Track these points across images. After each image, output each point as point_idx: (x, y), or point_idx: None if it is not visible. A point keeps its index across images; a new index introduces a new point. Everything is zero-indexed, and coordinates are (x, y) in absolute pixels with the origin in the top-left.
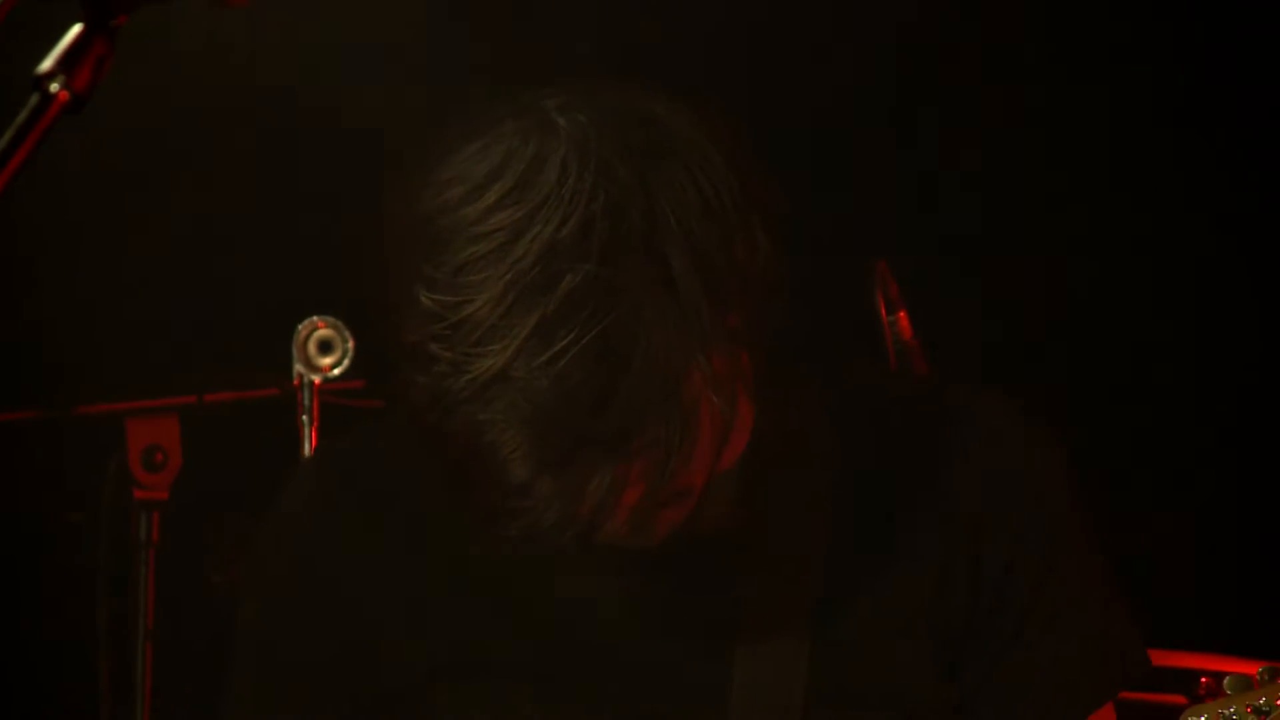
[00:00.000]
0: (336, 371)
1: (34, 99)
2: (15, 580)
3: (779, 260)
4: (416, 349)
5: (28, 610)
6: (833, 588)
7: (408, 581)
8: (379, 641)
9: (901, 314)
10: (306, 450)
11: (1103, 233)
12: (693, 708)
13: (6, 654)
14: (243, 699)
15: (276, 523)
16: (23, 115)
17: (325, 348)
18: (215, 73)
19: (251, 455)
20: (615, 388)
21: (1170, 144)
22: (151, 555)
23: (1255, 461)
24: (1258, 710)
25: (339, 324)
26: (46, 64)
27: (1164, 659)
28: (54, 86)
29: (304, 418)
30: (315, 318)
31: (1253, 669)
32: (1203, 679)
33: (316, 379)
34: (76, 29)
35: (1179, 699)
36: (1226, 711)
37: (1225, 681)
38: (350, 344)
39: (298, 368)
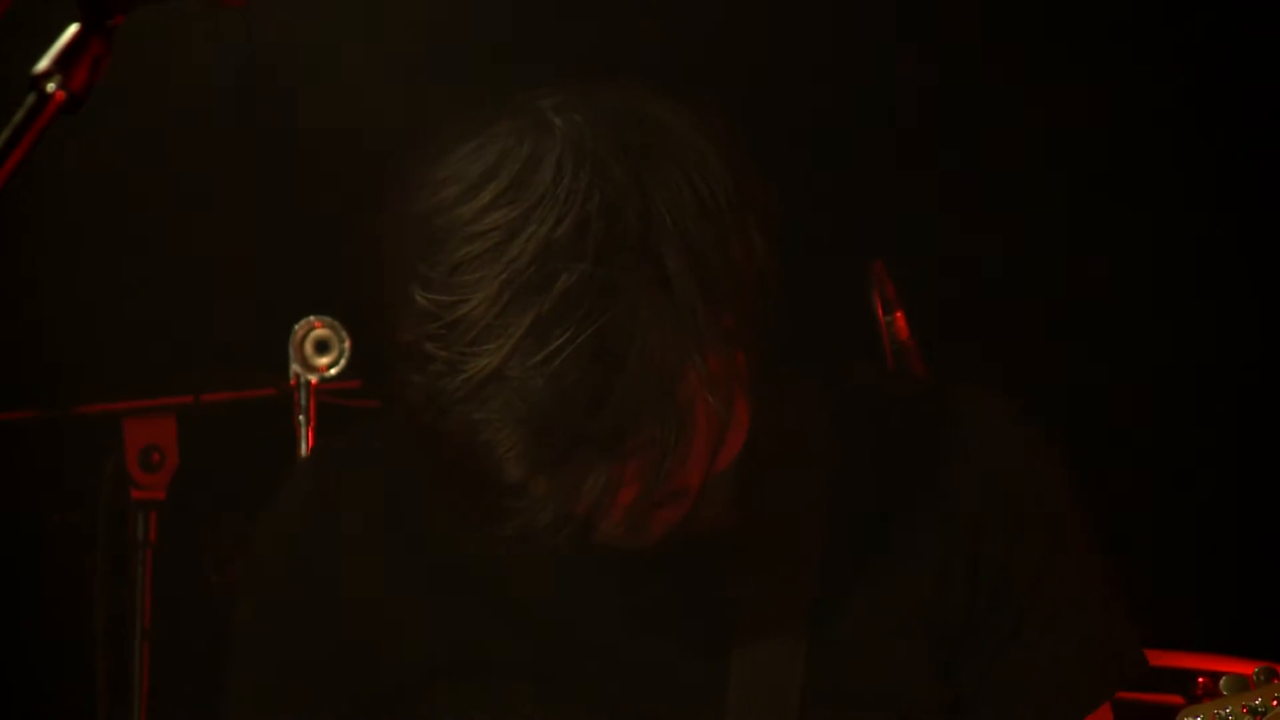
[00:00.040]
0: (333, 371)
1: (31, 99)
2: (13, 580)
3: (775, 260)
4: (412, 348)
5: (25, 610)
6: (829, 588)
7: (405, 581)
8: (376, 641)
9: (898, 314)
10: (303, 450)
11: (1103, 233)
12: (690, 708)
13: (4, 654)
14: (241, 699)
15: (273, 522)
16: (19, 115)
17: (322, 348)
18: (214, 73)
19: (249, 455)
20: (610, 387)
21: (1170, 144)
22: (149, 555)
23: (1255, 461)
24: (1253, 711)
25: (336, 324)
26: (43, 64)
27: (1161, 659)
28: (51, 86)
29: (301, 418)
30: (312, 318)
31: (1249, 669)
32: (1200, 679)
33: (313, 379)
34: (73, 29)
35: (1176, 699)
36: (1222, 712)
37: (1221, 682)
38: (347, 344)
39: (294, 368)
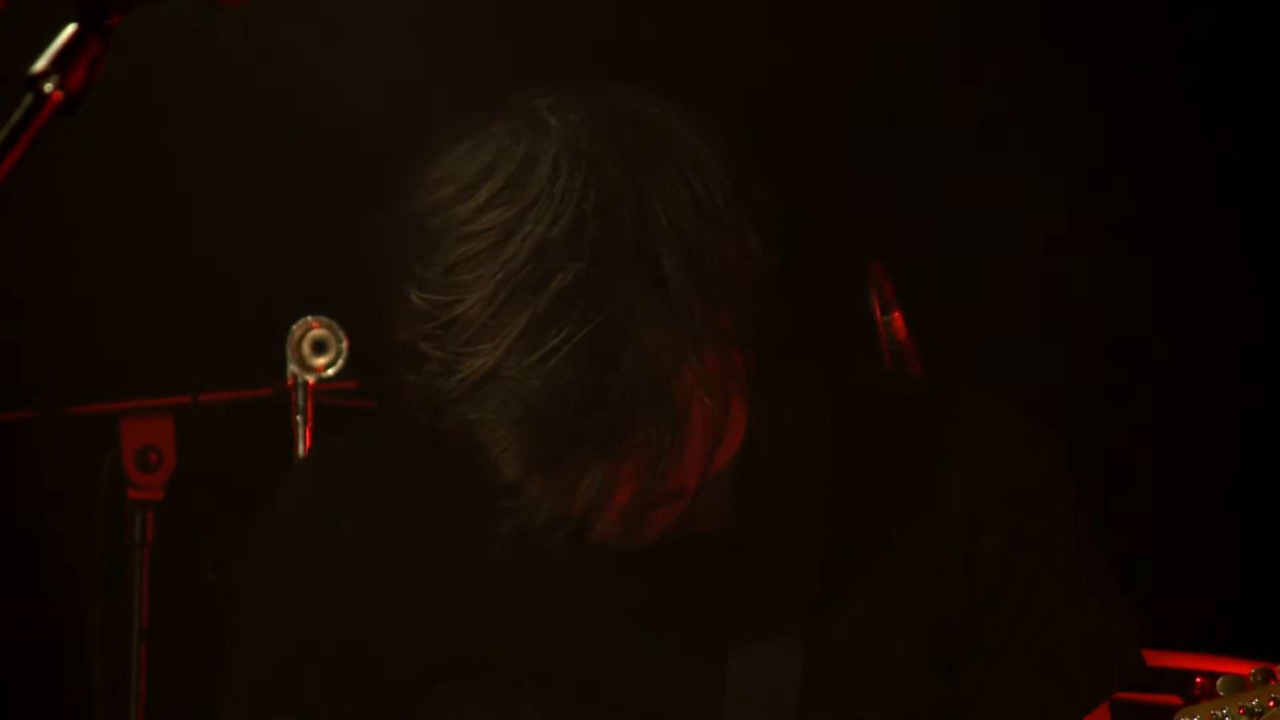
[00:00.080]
0: (330, 372)
1: (28, 99)
2: (10, 580)
3: (772, 260)
4: (407, 348)
5: (22, 610)
6: (828, 588)
7: (404, 581)
8: (375, 641)
9: (896, 314)
10: (301, 450)
11: (1103, 233)
12: (688, 708)
13: (2, 654)
14: (239, 699)
15: (271, 523)
16: (17, 115)
17: (319, 348)
18: (213, 73)
19: (246, 455)
20: (606, 387)
21: (1170, 144)
22: (146, 555)
23: (1255, 461)
24: (1250, 711)
25: (333, 324)
26: (40, 64)
27: (1159, 659)
28: (48, 86)
29: (298, 418)
30: (309, 318)
31: (1247, 670)
32: (1198, 679)
33: (311, 379)
34: (70, 29)
35: (1174, 699)
36: (1219, 713)
37: (1218, 683)
38: (344, 344)
39: (292, 368)
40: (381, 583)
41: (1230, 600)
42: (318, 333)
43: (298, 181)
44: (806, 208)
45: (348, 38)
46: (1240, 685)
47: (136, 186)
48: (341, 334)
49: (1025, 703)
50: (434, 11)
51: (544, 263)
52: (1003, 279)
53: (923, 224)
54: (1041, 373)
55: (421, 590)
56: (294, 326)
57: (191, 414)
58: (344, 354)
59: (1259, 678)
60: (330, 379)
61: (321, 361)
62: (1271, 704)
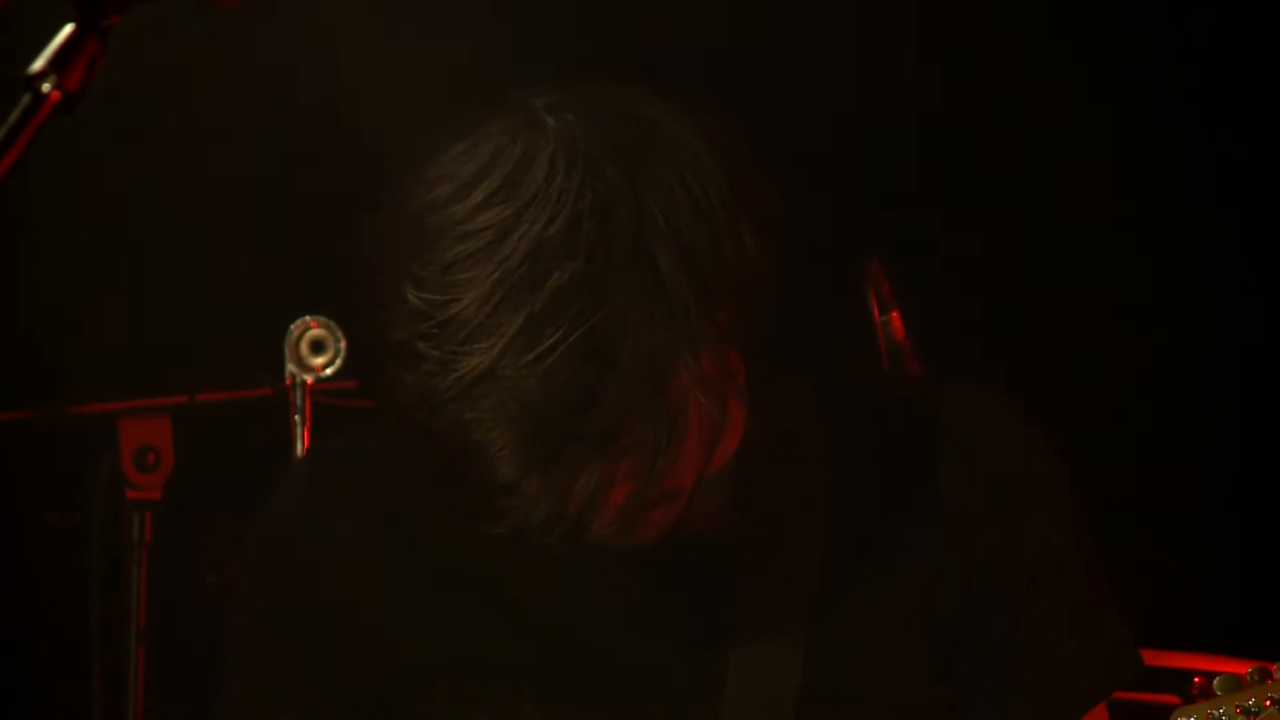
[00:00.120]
0: (329, 371)
1: (26, 99)
2: (8, 580)
3: (769, 260)
4: (404, 347)
5: (20, 610)
6: (827, 587)
7: (401, 581)
8: (373, 641)
9: (894, 314)
10: (299, 450)
11: (1102, 233)
12: (686, 708)
13: (1, 654)
14: (237, 700)
15: (269, 523)
16: (15, 115)
17: (317, 348)
18: (213, 73)
19: (244, 455)
20: (602, 386)
21: (1170, 144)
22: (144, 555)
23: (1254, 461)
24: (1247, 711)
25: (331, 324)
26: (38, 64)
27: (1157, 659)
28: (46, 86)
29: (296, 418)
30: (307, 317)
31: (1245, 669)
32: (1196, 679)
33: (309, 379)
34: (68, 29)
35: (1172, 699)
36: (1216, 712)
37: (1215, 682)
38: (342, 344)
39: (290, 368)
40: (380, 583)
41: (1228, 600)
42: (316, 332)
43: (296, 182)
44: (804, 208)
45: (348, 38)
46: (1237, 685)
47: (135, 186)
48: (340, 334)
49: (1024, 702)
50: (434, 11)
51: (540, 262)
52: (1002, 279)
53: (922, 224)
54: (1041, 373)
55: (421, 590)
56: (292, 326)
57: (190, 414)
58: (342, 354)
59: (1255, 677)
60: (328, 379)
61: (320, 361)
62: (1268, 703)
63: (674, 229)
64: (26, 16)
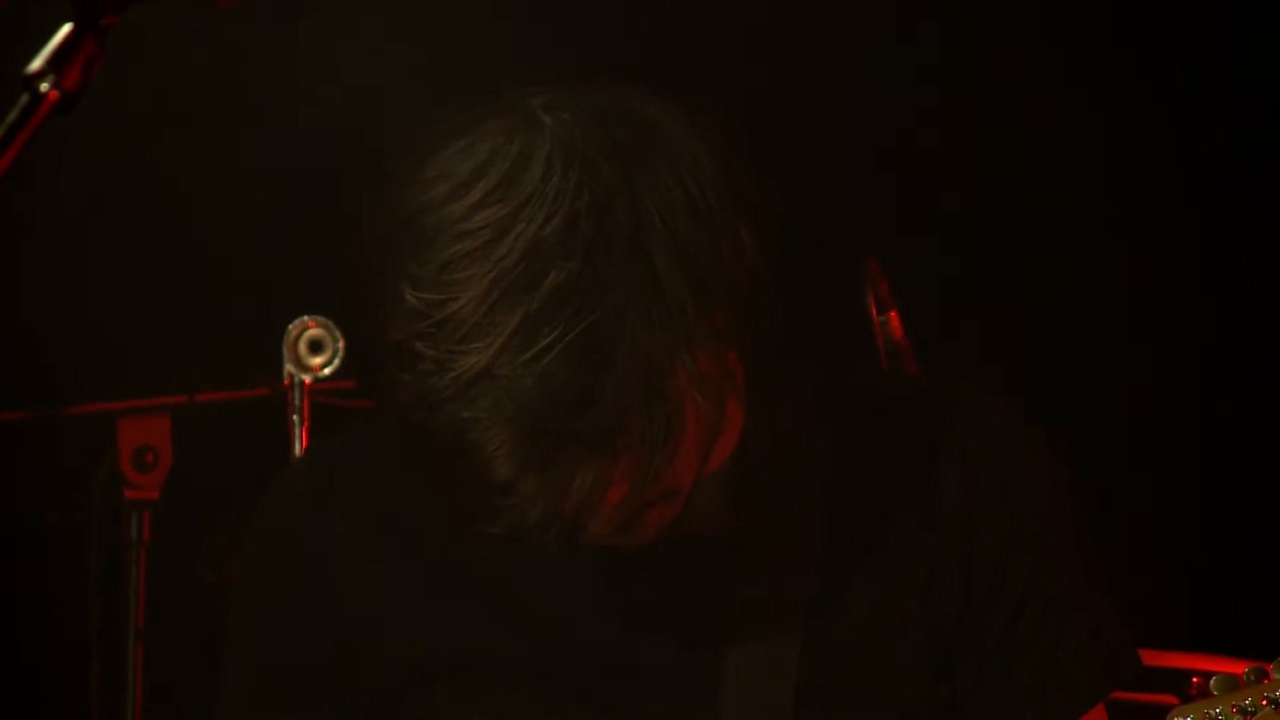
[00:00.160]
0: (327, 371)
1: (24, 99)
2: (6, 580)
3: (767, 260)
4: (401, 347)
5: (18, 610)
6: (826, 587)
7: (400, 581)
8: (372, 641)
9: (893, 314)
10: (297, 450)
11: (1102, 233)
12: (685, 707)
13: None
14: (236, 699)
15: (268, 523)
16: (13, 115)
17: (316, 347)
18: (212, 73)
19: (243, 455)
20: (599, 386)
21: (1170, 144)
22: (143, 555)
23: (1253, 461)
24: (1243, 710)
25: (329, 324)
26: (36, 63)
27: (1156, 659)
28: (44, 86)
29: (295, 418)
30: (306, 317)
31: (1242, 669)
32: (1194, 679)
33: (307, 379)
34: (66, 28)
35: (1171, 699)
36: (1212, 712)
37: (1212, 682)
38: (341, 344)
39: (288, 367)
40: (379, 583)
41: (1228, 600)
42: (314, 332)
43: (295, 181)
44: (803, 207)
45: (348, 38)
46: (1234, 684)
47: (134, 187)
48: (338, 334)
49: (1023, 702)
50: (433, 11)
51: (537, 261)
52: (1001, 279)
53: (921, 224)
54: (1041, 373)
55: (419, 590)
56: (290, 326)
57: (188, 414)
58: (340, 354)
59: (1252, 677)
60: (327, 379)
61: (318, 361)
62: (1265, 702)
63: (671, 229)
64: (25, 16)
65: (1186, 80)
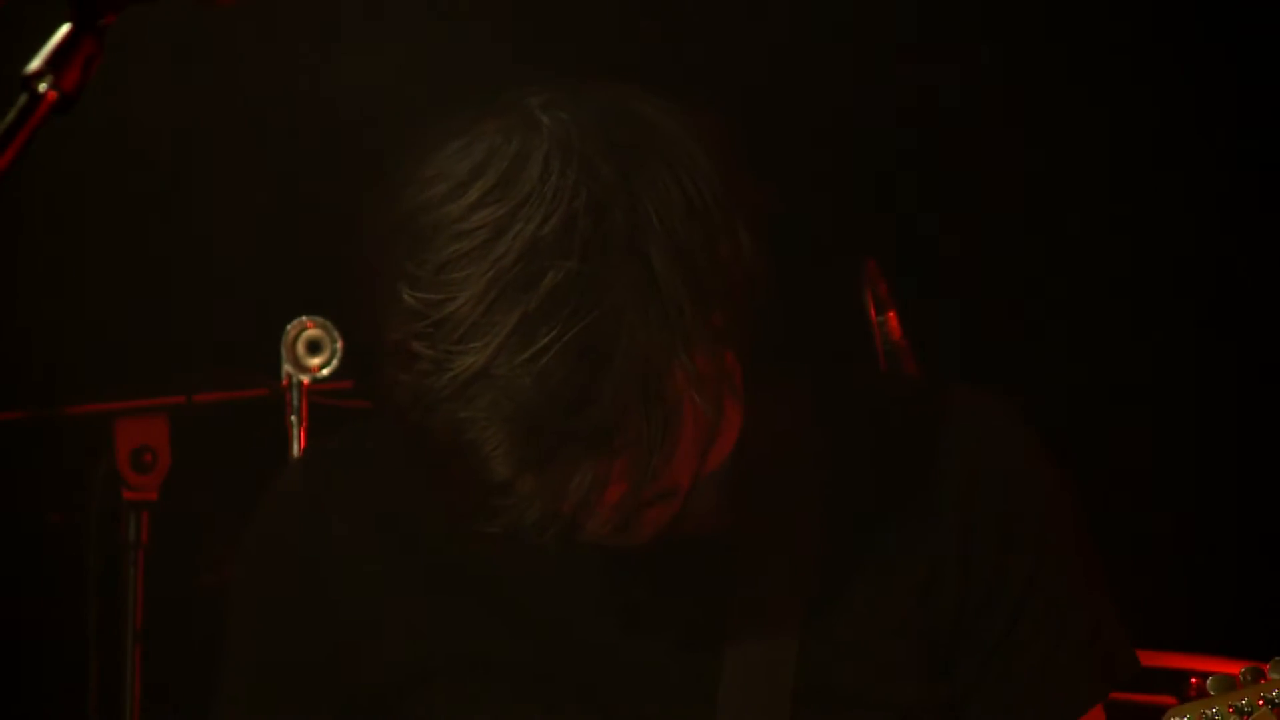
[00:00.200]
0: (325, 372)
1: (22, 99)
2: (4, 581)
3: (765, 260)
4: (399, 347)
5: (16, 611)
6: (824, 587)
7: (398, 582)
8: (370, 642)
9: (891, 314)
10: (295, 451)
11: (1102, 233)
12: (683, 708)
13: None
14: (234, 700)
15: (266, 523)
16: (11, 115)
17: (314, 348)
18: (211, 74)
19: (241, 456)
20: (596, 385)
21: (1170, 144)
22: (140, 556)
23: (1252, 461)
24: (1240, 710)
25: (328, 324)
26: (35, 64)
27: (1155, 660)
28: (42, 86)
29: (293, 418)
30: (304, 318)
31: (1239, 669)
32: (1193, 679)
33: (305, 379)
34: (65, 29)
35: (1169, 699)
36: (1209, 712)
37: (1209, 682)
38: (339, 344)
39: (286, 368)
40: (377, 583)
41: (1228, 600)
42: (312, 333)
43: (293, 181)
44: (802, 207)
45: (347, 37)
46: (1230, 684)
47: (132, 187)
48: (336, 334)
49: (1021, 703)
50: (434, 11)
51: (535, 261)
52: (1000, 279)
53: (920, 224)
54: (1041, 373)
55: (418, 590)
56: (289, 326)
57: (186, 414)
58: (339, 354)
59: (1249, 677)
60: (325, 379)
61: (316, 362)
62: (1261, 702)
63: (668, 228)
64: (24, 16)
65: (1186, 80)
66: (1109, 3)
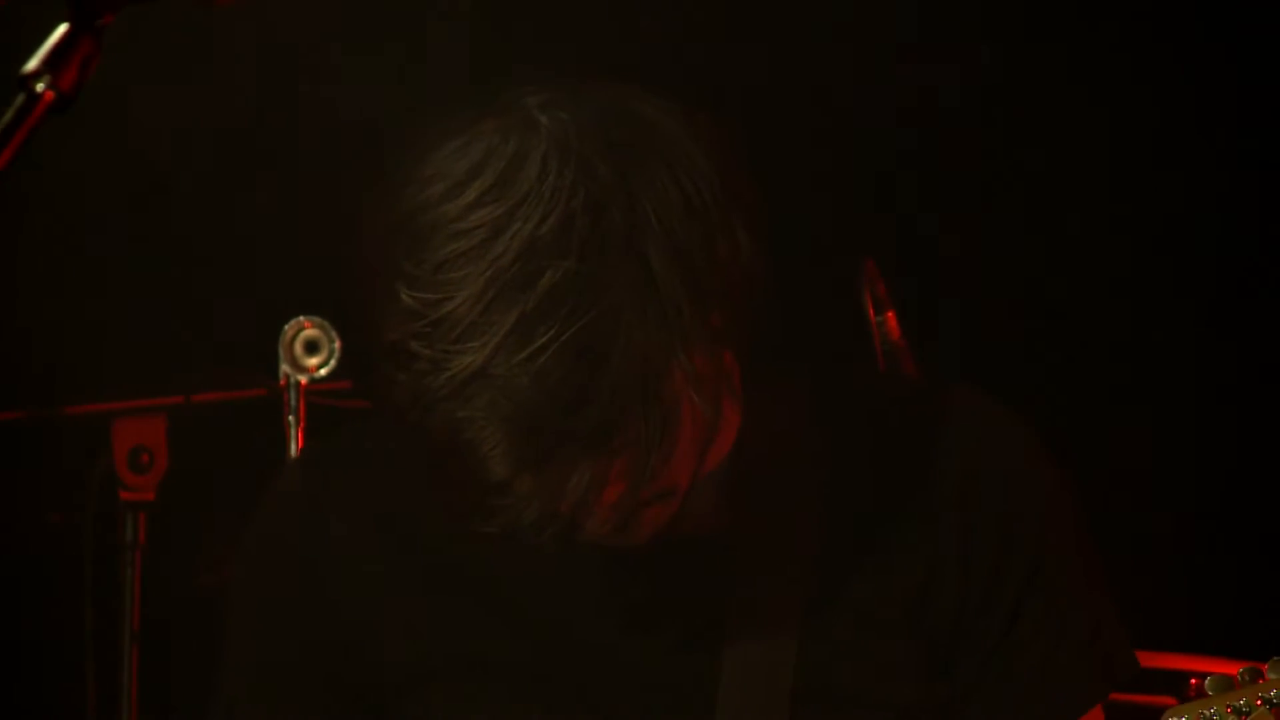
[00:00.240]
0: (323, 372)
1: (20, 99)
2: (1, 581)
3: (763, 260)
4: (397, 347)
5: (13, 612)
6: (823, 587)
7: (396, 582)
8: (369, 642)
9: (890, 314)
10: (293, 451)
11: (1102, 233)
12: (682, 708)
13: None
14: (233, 700)
15: (264, 524)
16: (8, 115)
17: (312, 348)
18: (211, 73)
19: (238, 456)
20: (594, 385)
21: (1170, 144)
22: (138, 557)
23: (1252, 462)
24: (1237, 710)
25: (325, 324)
26: (32, 63)
27: (1154, 660)
28: (40, 86)
29: (290, 418)
30: (302, 318)
31: (1237, 670)
32: (1193, 680)
33: (303, 379)
34: (63, 28)
35: (1169, 700)
36: (1207, 712)
37: (1206, 682)
38: (337, 344)
39: (284, 368)
40: (376, 583)
41: (1228, 601)
42: (310, 333)
43: (291, 181)
44: (800, 207)
45: (347, 38)
46: (1228, 684)
47: (130, 187)
48: (334, 334)
49: (1021, 704)
50: (434, 11)
51: (533, 260)
52: (1000, 279)
53: (920, 224)
54: (1041, 373)
55: (417, 591)
56: (286, 326)
57: (184, 414)
58: (336, 354)
59: (1246, 677)
60: (323, 379)
61: (314, 362)
62: (1259, 702)
63: (667, 228)
64: (22, 16)
65: (1186, 80)
66: (1109, 3)
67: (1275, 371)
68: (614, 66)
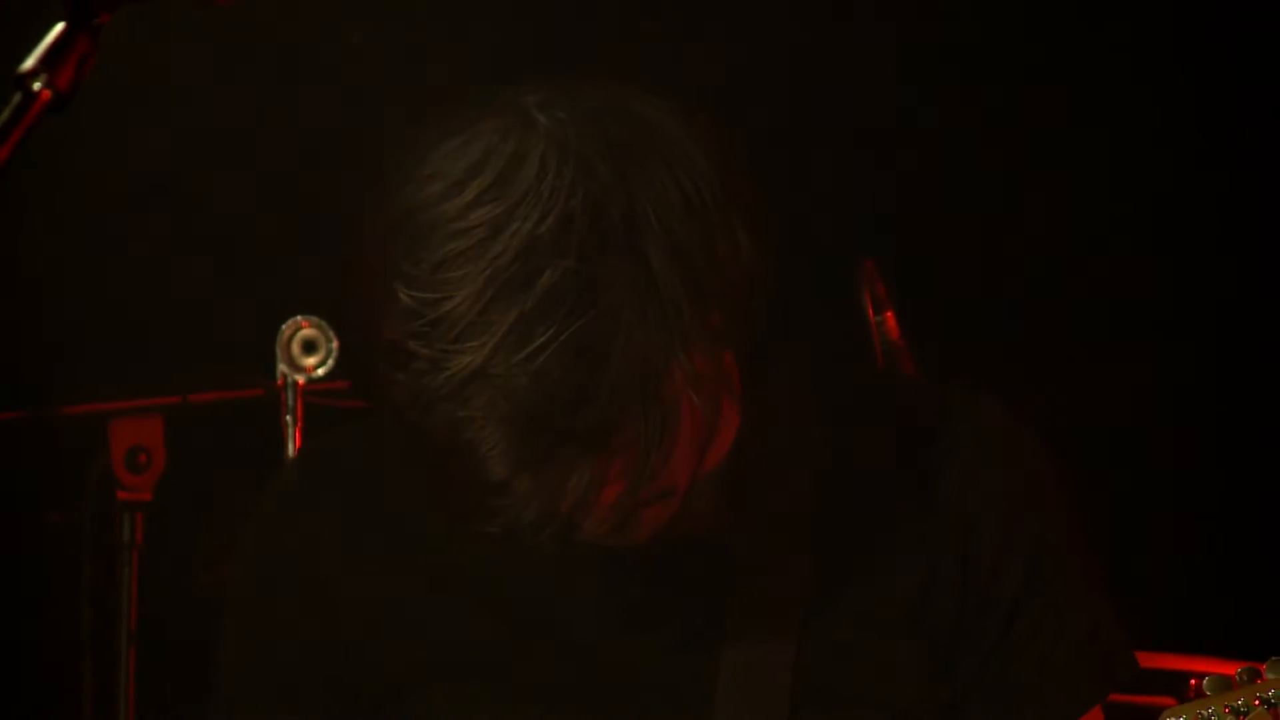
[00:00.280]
0: (320, 372)
1: (16, 98)
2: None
3: (763, 260)
4: (396, 346)
5: (11, 612)
6: (821, 588)
7: (394, 581)
8: (366, 641)
9: (889, 313)
10: (290, 451)
11: (1102, 233)
12: (681, 708)
13: None
14: (232, 700)
15: (261, 524)
16: (5, 115)
17: (309, 348)
18: (209, 73)
19: (236, 456)
20: (594, 385)
21: (1171, 144)
22: (135, 557)
23: (1252, 462)
24: (1236, 711)
25: (323, 324)
26: (29, 63)
27: (1154, 661)
28: (36, 85)
29: (288, 418)
30: (299, 317)
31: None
32: (1192, 681)
33: (300, 379)
34: (59, 27)
35: (1168, 700)
36: (1205, 712)
37: (1205, 682)
38: (334, 344)
39: (282, 368)
40: (374, 583)
41: (1228, 601)
42: (307, 333)
43: (289, 181)
44: (800, 207)
45: (347, 37)
46: (1226, 685)
47: (130, 187)
48: (331, 334)
49: (1020, 704)
50: (435, 11)
51: (532, 260)
52: (1000, 278)
53: (920, 224)
54: (1041, 373)
55: (416, 591)
56: (284, 326)
57: (181, 414)
58: (334, 354)
59: (1244, 677)
60: (320, 379)
61: (311, 361)
62: (1257, 702)
63: (666, 228)
64: (21, 16)
65: (1186, 80)
66: (1110, 3)
67: (1275, 371)
68: (614, 66)
